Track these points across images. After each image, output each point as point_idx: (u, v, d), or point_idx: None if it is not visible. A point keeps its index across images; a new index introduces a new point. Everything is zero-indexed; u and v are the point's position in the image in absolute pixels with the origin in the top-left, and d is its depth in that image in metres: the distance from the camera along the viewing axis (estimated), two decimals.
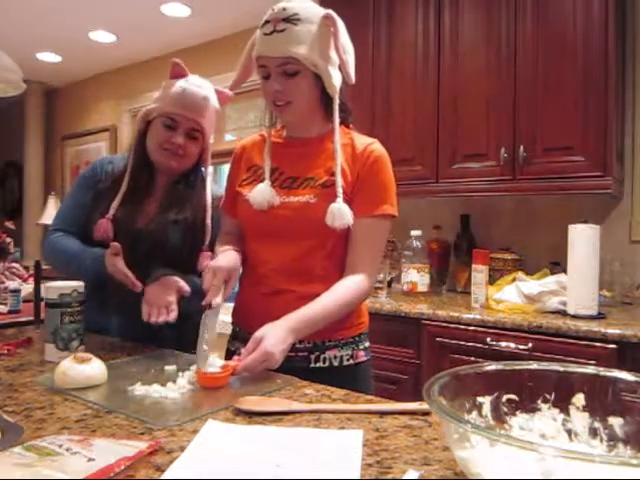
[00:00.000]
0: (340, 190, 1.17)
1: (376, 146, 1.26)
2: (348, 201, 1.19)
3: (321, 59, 1.17)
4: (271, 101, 1.21)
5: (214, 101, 1.51)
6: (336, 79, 1.21)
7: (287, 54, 1.15)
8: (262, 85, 1.22)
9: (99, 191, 1.50)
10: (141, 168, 1.50)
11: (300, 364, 1.21)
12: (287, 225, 1.21)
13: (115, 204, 1.45)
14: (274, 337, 1.04)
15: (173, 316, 1.30)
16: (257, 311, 1.23)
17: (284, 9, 1.15)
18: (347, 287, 1.19)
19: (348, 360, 1.25)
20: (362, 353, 1.29)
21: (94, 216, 1.45)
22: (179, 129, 1.45)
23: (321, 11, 1.18)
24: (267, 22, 1.17)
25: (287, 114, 1.22)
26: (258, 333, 1.05)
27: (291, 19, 1.14)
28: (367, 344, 1.32)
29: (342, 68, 1.20)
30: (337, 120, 1.22)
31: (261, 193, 1.21)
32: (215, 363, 1.03)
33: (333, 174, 1.19)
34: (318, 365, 1.23)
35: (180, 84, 1.45)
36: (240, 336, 1.31)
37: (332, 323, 1.18)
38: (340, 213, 1.15)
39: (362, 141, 1.26)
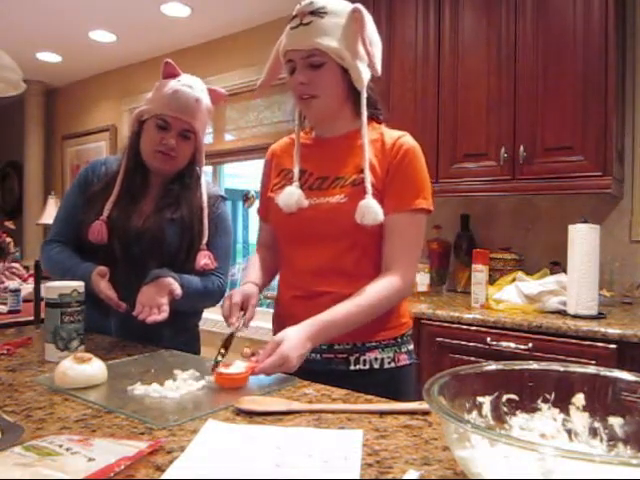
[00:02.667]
0: (369, 186, 1.13)
1: (406, 139, 1.21)
2: (379, 197, 1.15)
3: (348, 52, 1.15)
4: (297, 95, 1.19)
5: (206, 101, 1.51)
6: (364, 73, 1.18)
7: (313, 46, 1.13)
8: (289, 80, 1.20)
9: (91, 193, 1.50)
10: (135, 169, 1.50)
11: (340, 366, 1.19)
12: (318, 227, 1.19)
13: (109, 205, 1.45)
14: (293, 341, 1.02)
15: (163, 316, 1.31)
16: (295, 315, 1.19)
17: (311, 3, 1.14)
18: (375, 289, 1.14)
19: (389, 363, 1.21)
20: (405, 356, 1.25)
21: (88, 218, 1.46)
22: (171, 130, 1.46)
23: (349, 5, 1.16)
24: (295, 17, 1.16)
25: (312, 108, 1.19)
26: (278, 336, 1.04)
27: (318, 12, 1.13)
28: (410, 347, 1.28)
29: (368, 60, 1.17)
30: (365, 114, 1.19)
31: (289, 195, 1.19)
32: (238, 365, 1.02)
33: (362, 171, 1.16)
34: (358, 367, 1.19)
35: (172, 85, 1.46)
36: None
37: (371, 323, 1.16)
38: (369, 210, 1.11)
39: (391, 135, 1.22)
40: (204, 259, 1.47)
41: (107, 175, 1.53)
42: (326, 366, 1.17)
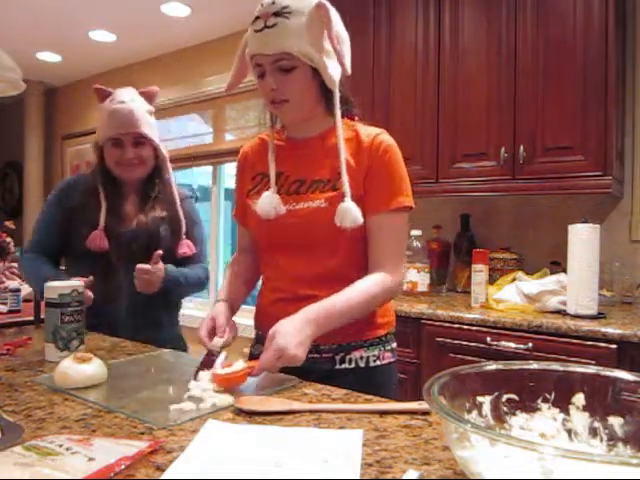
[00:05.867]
0: (347, 189, 1.12)
1: (384, 136, 1.20)
2: (359, 197, 1.14)
3: (316, 51, 1.11)
4: (268, 100, 1.16)
5: (141, 107, 1.64)
6: (334, 71, 1.15)
7: (280, 50, 1.10)
8: (258, 84, 1.17)
9: (72, 207, 1.62)
10: (109, 183, 1.66)
11: (325, 366, 1.18)
12: (298, 233, 1.17)
13: (102, 216, 1.59)
14: (286, 331, 1.00)
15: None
16: (277, 316, 1.16)
17: (273, 3, 1.09)
18: (370, 283, 1.13)
19: (375, 361, 1.21)
20: (389, 354, 1.25)
21: (80, 230, 1.58)
22: (125, 145, 1.61)
23: (313, 1, 1.11)
24: (257, 18, 1.12)
25: (285, 113, 1.17)
26: (272, 330, 1.01)
27: (282, 13, 1.09)
28: (394, 345, 1.28)
29: (338, 59, 1.14)
30: (339, 115, 1.17)
31: (267, 202, 1.17)
32: (237, 365, 1.00)
33: (340, 174, 1.14)
34: (344, 366, 1.19)
35: (107, 107, 1.62)
36: (263, 340, 1.24)
37: (357, 323, 1.14)
38: (348, 212, 1.10)
39: (368, 132, 1.20)
40: (183, 248, 1.66)
41: (87, 190, 1.65)
42: (311, 366, 1.14)
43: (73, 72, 4.93)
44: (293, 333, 1.00)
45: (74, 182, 1.71)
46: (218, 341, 1.11)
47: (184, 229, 1.67)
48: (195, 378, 0.99)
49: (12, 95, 1.98)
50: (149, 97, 1.69)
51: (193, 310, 3.94)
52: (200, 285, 1.73)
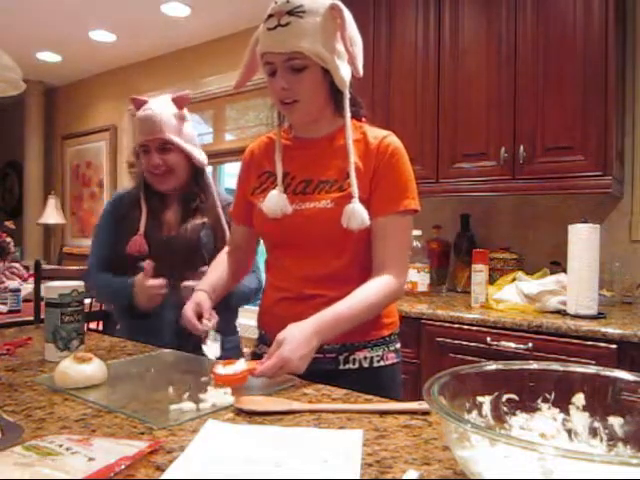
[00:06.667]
0: (355, 190, 1.12)
1: (391, 139, 1.20)
2: (365, 199, 1.14)
3: (328, 52, 1.11)
4: (278, 99, 1.16)
5: (167, 112, 1.63)
6: (345, 72, 1.16)
7: (293, 49, 1.09)
8: (268, 83, 1.16)
9: (120, 218, 1.67)
10: (149, 191, 1.69)
11: (329, 366, 1.17)
12: (305, 233, 1.17)
13: (143, 222, 1.62)
14: (294, 341, 1.00)
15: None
16: (282, 316, 1.18)
17: (287, 1, 1.09)
18: (375, 287, 1.13)
19: (378, 362, 1.21)
20: (393, 355, 1.25)
21: (122, 238, 1.61)
22: (151, 151, 1.63)
23: (327, 2, 1.11)
24: (271, 16, 1.11)
25: (295, 112, 1.17)
26: (280, 335, 1.01)
27: (295, 12, 1.09)
28: (398, 345, 1.28)
29: (350, 61, 1.15)
30: (348, 116, 1.17)
31: (274, 200, 1.17)
32: (238, 365, 1.01)
33: (348, 175, 1.14)
34: (347, 367, 1.19)
35: (138, 115, 1.64)
36: (267, 339, 1.26)
37: (360, 324, 1.14)
38: (355, 214, 1.10)
39: (375, 134, 1.20)
40: None
41: (131, 200, 1.70)
42: (315, 366, 1.12)
43: (73, 72, 4.93)
44: (300, 342, 1.01)
45: (120, 196, 1.75)
46: (208, 323, 1.17)
47: (228, 235, 1.61)
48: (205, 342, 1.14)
49: (12, 95, 1.98)
50: (179, 102, 1.68)
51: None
52: (250, 296, 1.66)
